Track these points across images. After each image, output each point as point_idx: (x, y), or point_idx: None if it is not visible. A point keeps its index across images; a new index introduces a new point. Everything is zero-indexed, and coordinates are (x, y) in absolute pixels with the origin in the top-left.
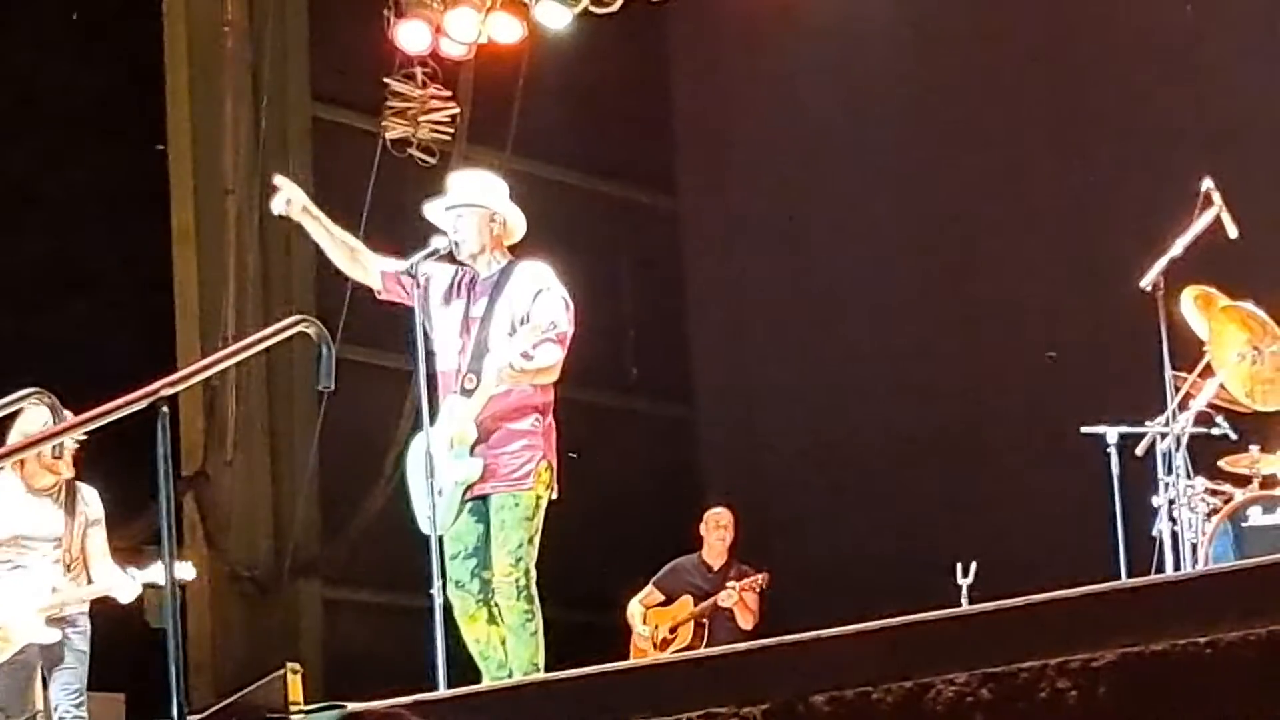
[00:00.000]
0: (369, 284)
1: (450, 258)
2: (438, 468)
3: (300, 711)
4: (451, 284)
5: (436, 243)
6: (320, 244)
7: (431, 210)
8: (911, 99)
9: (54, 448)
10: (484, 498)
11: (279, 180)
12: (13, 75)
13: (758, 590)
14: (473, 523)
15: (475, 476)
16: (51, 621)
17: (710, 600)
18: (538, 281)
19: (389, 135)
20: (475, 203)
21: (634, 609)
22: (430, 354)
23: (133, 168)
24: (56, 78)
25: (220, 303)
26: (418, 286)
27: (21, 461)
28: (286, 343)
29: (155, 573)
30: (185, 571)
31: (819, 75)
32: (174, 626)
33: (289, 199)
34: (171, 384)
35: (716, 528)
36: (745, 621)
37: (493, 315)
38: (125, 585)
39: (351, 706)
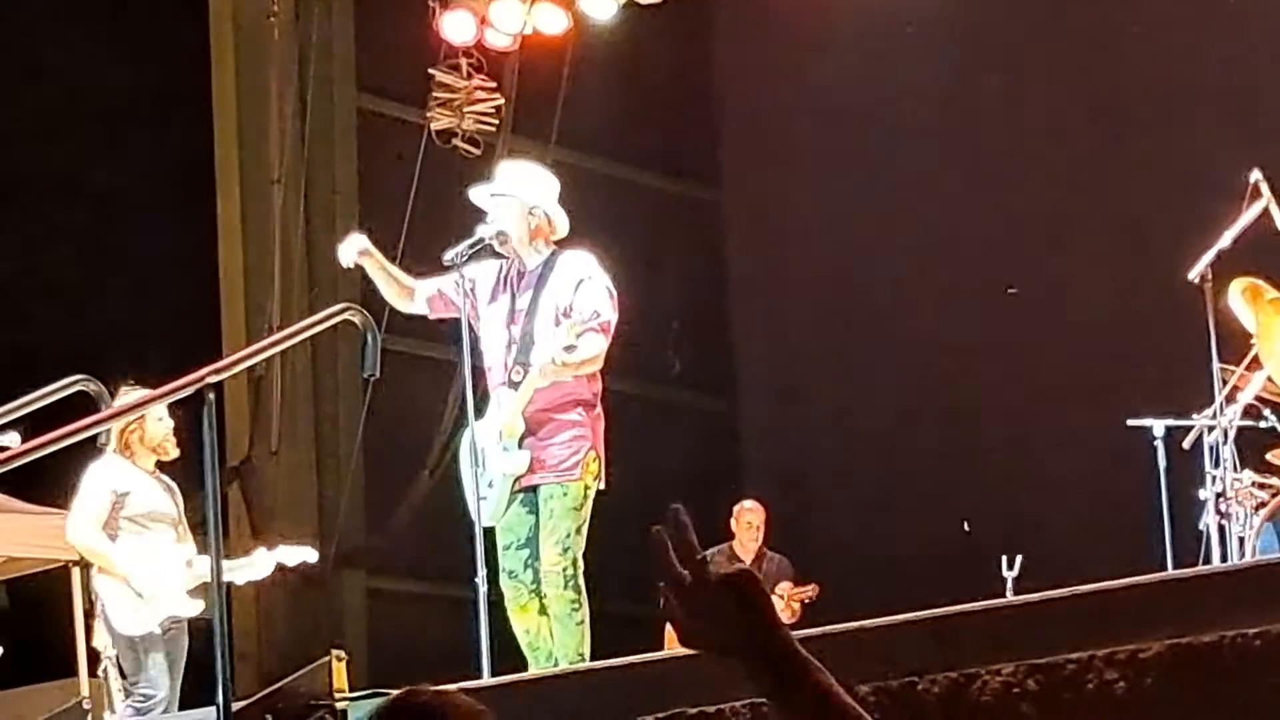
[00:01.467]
0: (420, 313)
1: (493, 251)
2: (487, 460)
3: (344, 699)
4: (497, 280)
5: (481, 231)
6: (375, 280)
7: (477, 195)
8: (956, 90)
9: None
10: (534, 489)
11: (350, 240)
12: (60, 68)
13: (805, 601)
14: (524, 514)
15: (523, 469)
16: (192, 594)
17: None
18: (580, 271)
19: (434, 126)
20: (511, 193)
21: None
22: (476, 349)
23: (179, 159)
24: (103, 70)
25: (266, 293)
26: (462, 278)
27: (128, 445)
28: (332, 333)
29: (285, 554)
30: (306, 555)
31: (863, 66)
32: (220, 616)
33: (358, 249)
34: (217, 371)
35: (747, 522)
36: (785, 619)
37: (538, 307)
38: (262, 561)
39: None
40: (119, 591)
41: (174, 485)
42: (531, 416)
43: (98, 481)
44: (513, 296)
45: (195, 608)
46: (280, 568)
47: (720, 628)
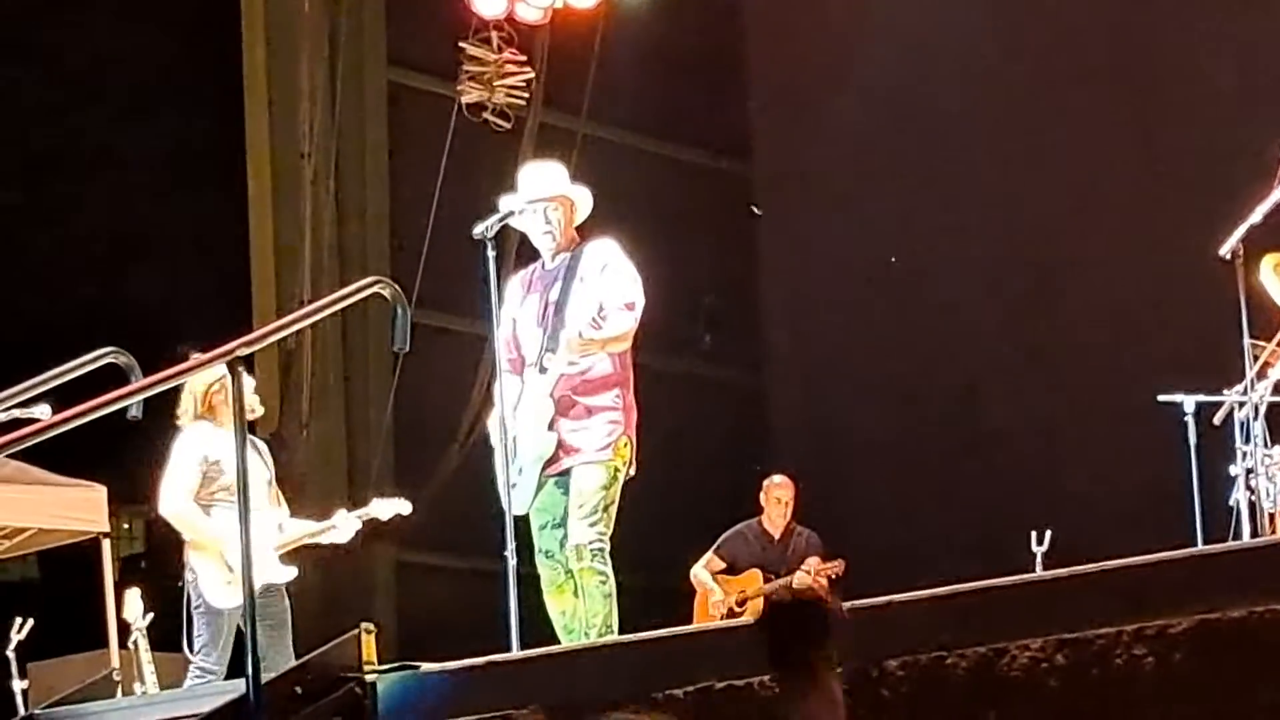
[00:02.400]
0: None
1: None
2: (517, 446)
3: (374, 671)
4: (527, 281)
5: (509, 204)
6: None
7: (506, 204)
8: (987, 65)
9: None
10: (565, 471)
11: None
12: (90, 40)
13: (832, 577)
14: (559, 495)
15: (550, 452)
16: (285, 559)
17: (783, 581)
18: (605, 258)
19: (464, 99)
20: (550, 195)
21: (700, 574)
22: (516, 339)
23: (210, 133)
24: (133, 43)
25: (296, 266)
26: (495, 250)
27: (211, 406)
28: (362, 307)
29: (377, 508)
30: (400, 507)
31: (894, 41)
32: (249, 588)
33: None
34: (247, 344)
35: (776, 498)
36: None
37: (569, 298)
38: (346, 523)
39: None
40: (211, 564)
41: (262, 446)
42: (561, 400)
43: (187, 451)
44: (543, 293)
45: (289, 574)
46: (368, 523)
47: None
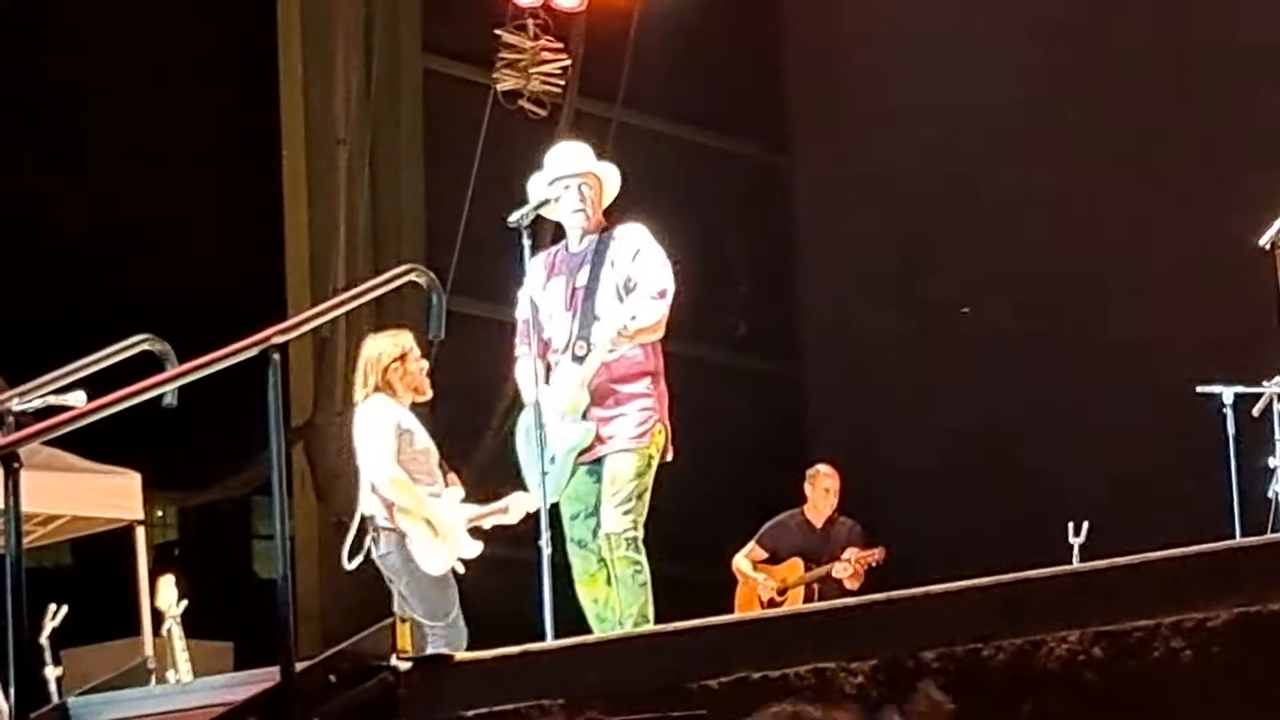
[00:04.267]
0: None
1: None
2: (550, 434)
3: (407, 660)
4: (550, 263)
5: (538, 183)
6: None
7: (534, 186)
8: (1028, 54)
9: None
10: (599, 459)
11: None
12: (126, 26)
13: (873, 565)
14: (591, 483)
15: (587, 442)
16: (473, 535)
17: (824, 569)
18: (636, 243)
19: (500, 87)
20: (580, 171)
21: (741, 563)
22: (539, 323)
23: (245, 119)
24: (169, 29)
25: (331, 253)
26: (530, 238)
27: (390, 384)
28: (397, 294)
29: (523, 500)
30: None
31: (934, 29)
32: (284, 576)
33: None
34: (283, 331)
35: (824, 488)
36: (850, 584)
37: (598, 283)
38: (519, 502)
39: (459, 656)
40: (422, 531)
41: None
42: (597, 389)
43: (379, 421)
44: (569, 276)
45: (477, 548)
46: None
47: None
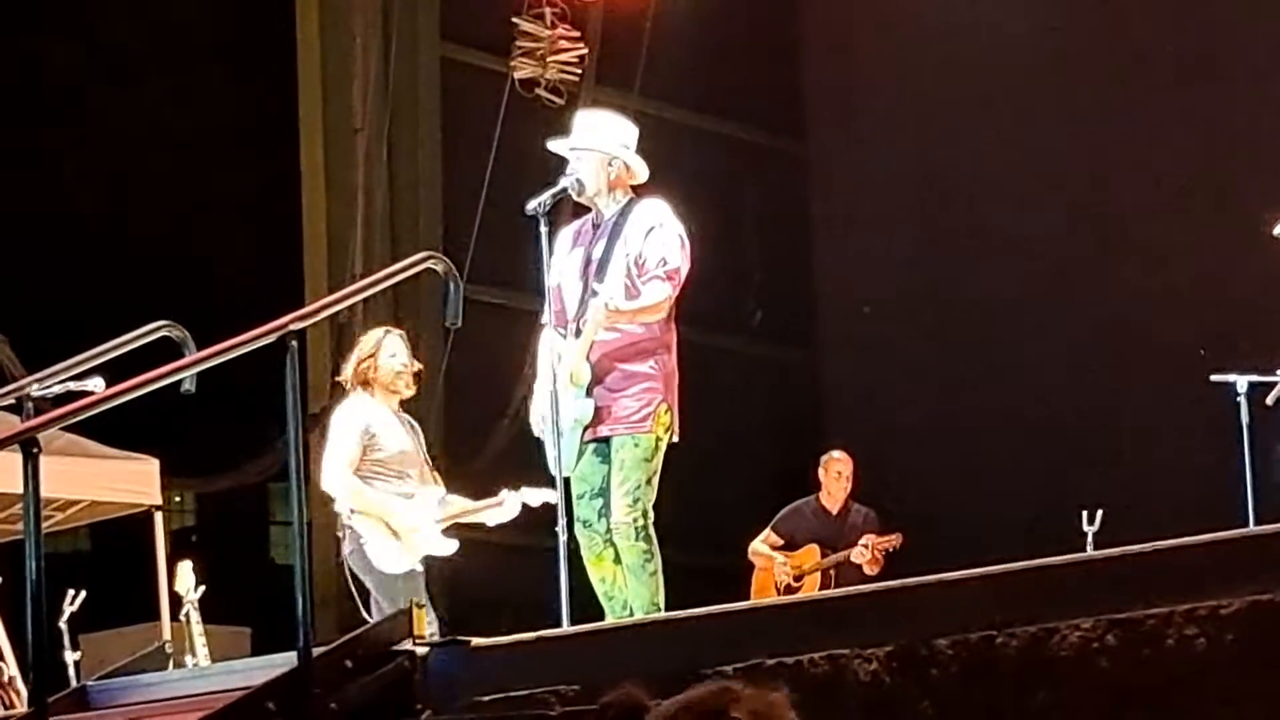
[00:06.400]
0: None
1: (575, 204)
2: (560, 404)
3: (424, 645)
4: (576, 233)
5: (563, 182)
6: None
7: (556, 147)
8: (1044, 41)
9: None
10: (605, 440)
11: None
12: (145, 14)
13: (889, 551)
14: (597, 463)
15: (588, 416)
16: (447, 533)
17: (842, 555)
18: (653, 218)
19: (517, 75)
20: (591, 146)
21: (759, 548)
22: (559, 293)
23: (263, 107)
24: (187, 17)
25: (348, 241)
26: (548, 225)
27: (365, 381)
28: (414, 281)
29: (529, 495)
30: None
31: (949, 17)
32: (302, 561)
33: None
34: (300, 318)
35: (836, 472)
36: (869, 569)
37: (610, 257)
38: (509, 501)
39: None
40: (377, 531)
41: (415, 424)
42: (600, 366)
43: (347, 423)
44: (588, 247)
45: (450, 547)
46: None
47: None
